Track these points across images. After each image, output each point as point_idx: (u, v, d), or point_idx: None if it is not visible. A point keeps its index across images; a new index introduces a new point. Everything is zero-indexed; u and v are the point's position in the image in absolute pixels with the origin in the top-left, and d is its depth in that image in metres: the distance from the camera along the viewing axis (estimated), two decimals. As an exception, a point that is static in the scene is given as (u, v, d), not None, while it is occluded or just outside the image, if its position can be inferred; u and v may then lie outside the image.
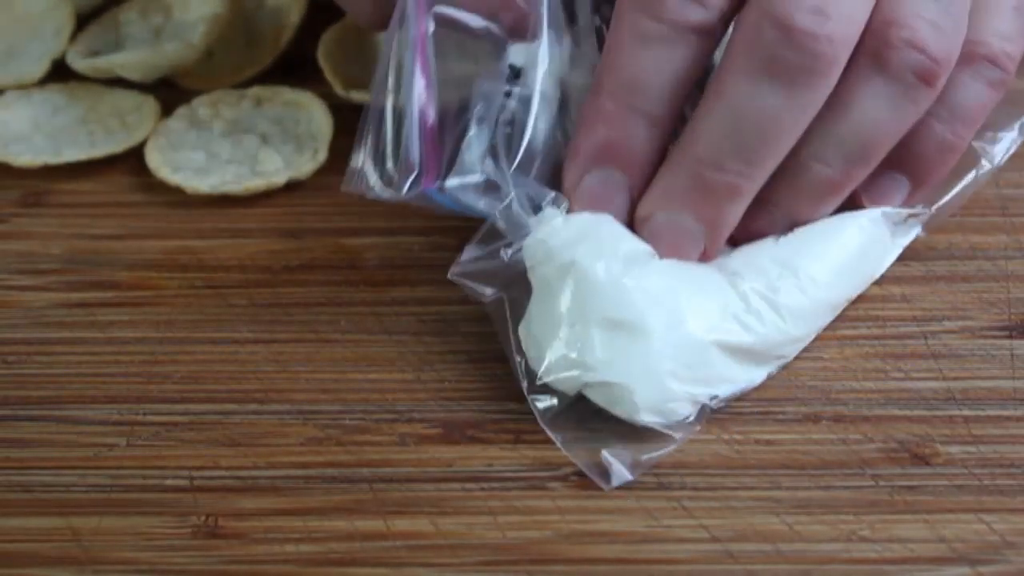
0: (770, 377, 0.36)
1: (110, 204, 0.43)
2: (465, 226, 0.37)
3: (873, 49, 0.33)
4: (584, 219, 0.35)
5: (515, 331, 0.35)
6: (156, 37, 0.47)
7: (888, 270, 0.39)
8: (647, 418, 0.34)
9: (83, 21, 0.47)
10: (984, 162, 0.38)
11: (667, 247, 0.35)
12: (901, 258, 0.39)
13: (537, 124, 0.36)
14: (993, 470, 0.34)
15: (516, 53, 0.36)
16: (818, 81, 0.33)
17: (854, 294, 0.38)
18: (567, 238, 0.35)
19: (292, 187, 0.43)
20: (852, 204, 0.37)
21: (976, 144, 0.38)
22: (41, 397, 0.37)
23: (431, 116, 0.35)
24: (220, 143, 0.44)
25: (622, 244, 0.35)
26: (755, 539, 0.33)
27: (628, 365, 0.34)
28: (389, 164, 0.35)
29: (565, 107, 0.37)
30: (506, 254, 0.35)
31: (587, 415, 0.35)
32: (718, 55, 0.36)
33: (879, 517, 0.33)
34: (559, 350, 0.34)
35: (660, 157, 0.35)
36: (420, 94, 0.35)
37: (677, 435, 0.34)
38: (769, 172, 0.35)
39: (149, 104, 0.45)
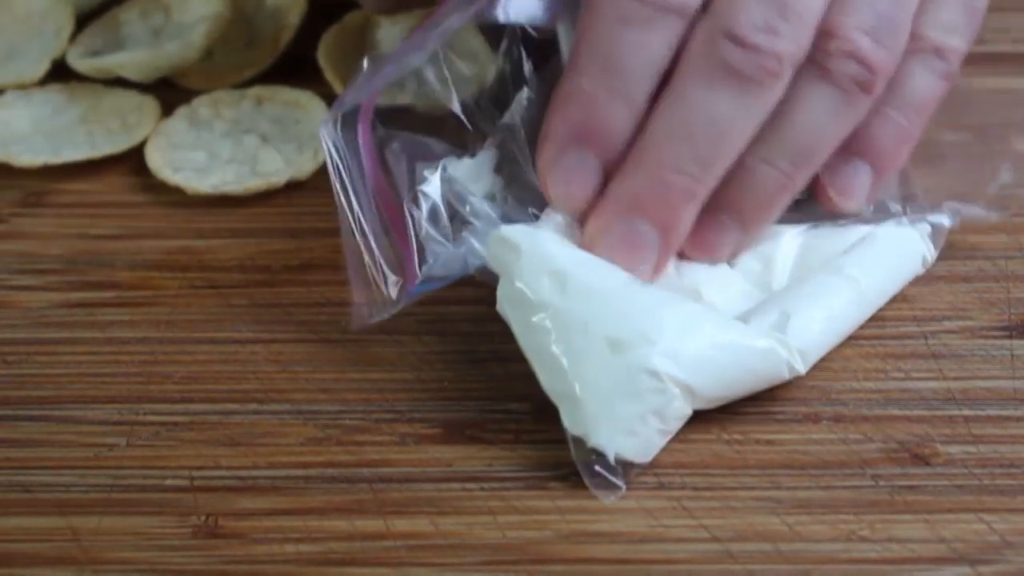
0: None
1: (110, 204, 0.43)
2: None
3: (815, 59, 0.36)
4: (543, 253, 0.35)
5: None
6: (156, 37, 0.47)
7: (888, 270, 0.39)
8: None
9: (83, 21, 0.48)
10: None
11: (623, 256, 0.35)
12: (901, 258, 0.39)
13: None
14: (993, 470, 0.34)
15: (454, 166, 0.37)
16: (767, 91, 0.35)
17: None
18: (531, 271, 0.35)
19: (292, 187, 0.43)
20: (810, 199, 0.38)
21: None
22: (41, 397, 0.37)
23: (394, 206, 0.36)
24: (221, 143, 0.44)
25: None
26: (755, 539, 0.33)
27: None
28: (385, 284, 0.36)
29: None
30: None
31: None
32: None
33: (879, 517, 0.33)
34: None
35: (632, 141, 0.36)
36: (373, 192, 0.36)
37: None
38: (720, 176, 0.36)
39: (149, 104, 0.45)
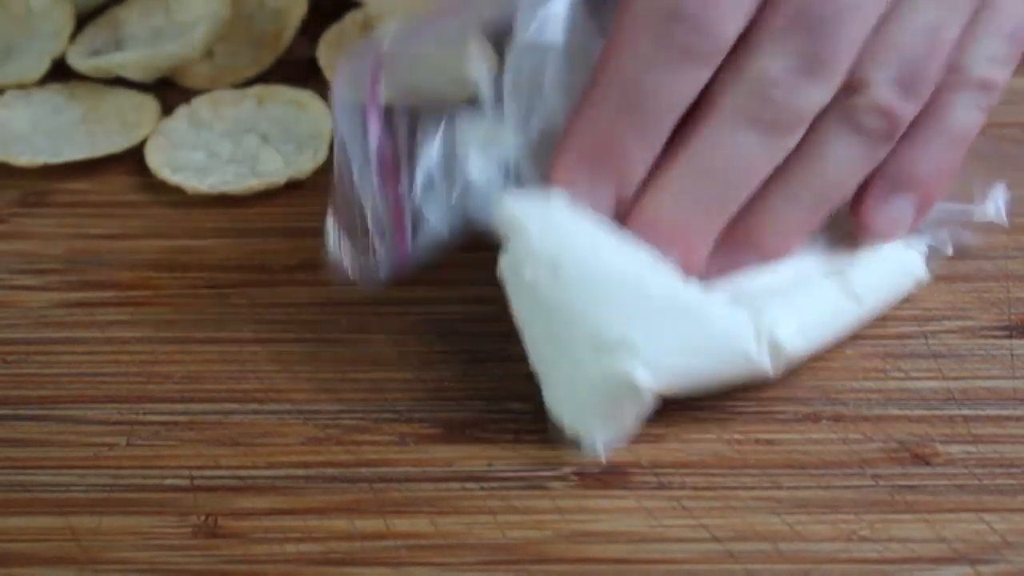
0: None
1: (110, 204, 0.43)
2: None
3: (843, 106, 0.36)
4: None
5: None
6: (156, 37, 0.47)
7: (888, 270, 0.39)
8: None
9: (83, 21, 0.47)
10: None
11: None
12: (901, 258, 0.39)
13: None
14: (993, 470, 0.34)
15: (467, 124, 0.36)
16: (791, 137, 0.35)
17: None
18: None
19: (292, 186, 0.43)
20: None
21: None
22: (41, 397, 0.37)
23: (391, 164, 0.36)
24: (220, 143, 0.44)
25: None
26: (755, 539, 0.33)
27: None
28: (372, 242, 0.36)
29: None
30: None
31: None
32: None
33: (879, 517, 0.33)
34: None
35: (646, 176, 0.36)
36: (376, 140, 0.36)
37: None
38: (735, 212, 0.36)
39: (149, 104, 0.45)
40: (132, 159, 0.44)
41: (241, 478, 0.35)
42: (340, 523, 0.33)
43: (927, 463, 0.34)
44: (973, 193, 0.39)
